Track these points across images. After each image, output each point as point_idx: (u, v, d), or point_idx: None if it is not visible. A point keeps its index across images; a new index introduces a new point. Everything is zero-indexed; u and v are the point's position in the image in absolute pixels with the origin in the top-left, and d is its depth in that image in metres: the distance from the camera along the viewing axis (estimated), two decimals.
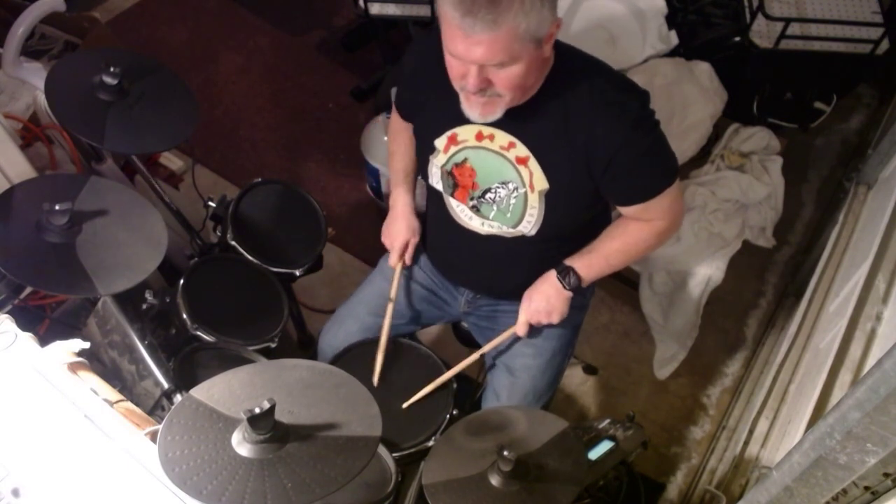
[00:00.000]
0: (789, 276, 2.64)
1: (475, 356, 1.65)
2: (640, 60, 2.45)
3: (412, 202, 1.73)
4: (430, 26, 2.45)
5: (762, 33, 2.40)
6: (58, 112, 1.54)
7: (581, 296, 1.63)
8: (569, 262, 1.54)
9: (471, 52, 1.22)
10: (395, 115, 1.69)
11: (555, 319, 1.57)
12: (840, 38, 2.36)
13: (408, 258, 1.71)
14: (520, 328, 1.59)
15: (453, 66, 1.29)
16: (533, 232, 1.50)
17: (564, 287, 1.53)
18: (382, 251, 1.76)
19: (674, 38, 2.46)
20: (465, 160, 1.48)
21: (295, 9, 3.35)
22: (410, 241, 1.70)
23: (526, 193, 1.45)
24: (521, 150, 1.41)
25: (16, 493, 1.08)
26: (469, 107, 1.34)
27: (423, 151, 1.53)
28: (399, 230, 1.70)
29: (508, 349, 1.69)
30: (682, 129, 2.36)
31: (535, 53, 1.25)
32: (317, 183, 2.80)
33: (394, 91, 1.73)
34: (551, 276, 1.54)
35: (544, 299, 1.55)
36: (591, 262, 1.53)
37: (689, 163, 2.42)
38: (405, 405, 1.57)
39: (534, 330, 1.62)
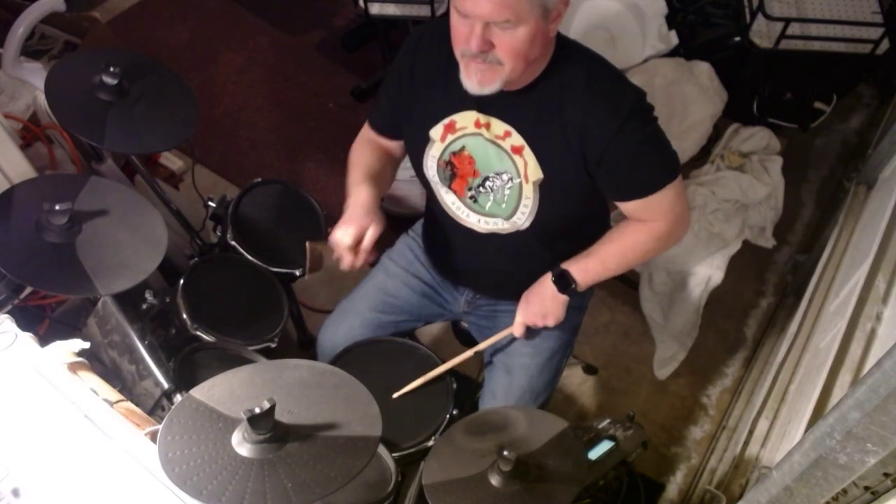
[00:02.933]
0: (789, 276, 2.64)
1: (469, 353, 1.65)
2: (640, 60, 2.45)
3: (376, 195, 1.51)
4: None
5: (762, 33, 2.40)
6: (58, 112, 1.54)
7: (580, 297, 1.63)
8: (565, 265, 1.53)
9: (478, 6, 1.21)
10: (365, 130, 1.64)
11: (550, 322, 1.57)
12: (840, 38, 2.36)
13: (365, 248, 1.44)
14: (516, 329, 1.59)
15: (459, 29, 1.28)
16: (527, 224, 1.48)
17: (560, 291, 1.53)
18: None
19: (674, 38, 2.46)
20: (462, 148, 1.46)
21: (295, 9, 3.35)
22: (370, 230, 1.44)
23: (520, 184, 1.44)
24: (517, 138, 1.40)
25: (16, 493, 1.08)
26: (468, 75, 1.32)
27: (418, 144, 1.51)
28: (349, 220, 1.46)
29: (507, 348, 1.69)
30: (682, 129, 2.37)
31: (541, 24, 1.25)
32: (317, 183, 2.80)
33: None
34: (547, 280, 1.54)
35: (540, 302, 1.56)
36: (587, 266, 1.52)
37: (689, 163, 2.42)
38: (395, 395, 1.59)
39: (532, 330, 1.62)
